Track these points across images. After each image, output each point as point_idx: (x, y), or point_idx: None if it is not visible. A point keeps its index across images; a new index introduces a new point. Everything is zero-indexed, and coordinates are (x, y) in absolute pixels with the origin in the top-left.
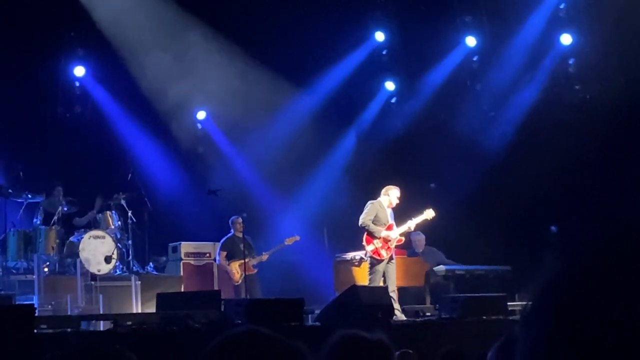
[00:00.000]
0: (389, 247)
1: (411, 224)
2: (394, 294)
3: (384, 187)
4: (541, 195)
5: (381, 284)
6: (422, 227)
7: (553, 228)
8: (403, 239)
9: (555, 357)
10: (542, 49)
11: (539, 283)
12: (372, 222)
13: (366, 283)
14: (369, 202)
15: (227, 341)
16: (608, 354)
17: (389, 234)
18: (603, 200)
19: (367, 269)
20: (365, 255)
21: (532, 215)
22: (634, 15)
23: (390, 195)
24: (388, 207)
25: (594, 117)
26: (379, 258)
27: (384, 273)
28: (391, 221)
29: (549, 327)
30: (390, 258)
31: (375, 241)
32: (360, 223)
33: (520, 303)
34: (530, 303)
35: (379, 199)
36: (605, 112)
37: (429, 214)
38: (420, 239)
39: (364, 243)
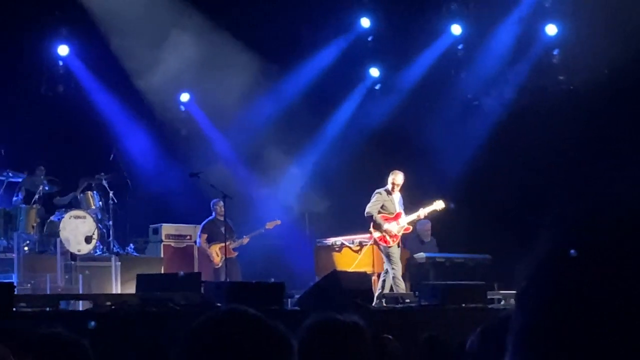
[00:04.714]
0: (395, 235)
1: (421, 213)
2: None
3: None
4: (524, 185)
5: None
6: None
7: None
8: (411, 227)
9: (550, 332)
10: (527, 39)
11: (534, 258)
12: (379, 212)
13: (347, 268)
14: (376, 191)
15: (209, 321)
16: (604, 328)
17: (390, 228)
18: (585, 190)
19: (358, 256)
20: (378, 241)
21: (514, 205)
22: (618, 6)
23: (390, 179)
24: (392, 191)
25: (578, 107)
26: (385, 245)
27: None
28: (399, 209)
29: (544, 303)
30: (398, 244)
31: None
32: (365, 213)
33: (499, 292)
34: (525, 279)
35: (385, 187)
36: (588, 103)
37: (439, 204)
38: (428, 229)
39: (371, 230)
